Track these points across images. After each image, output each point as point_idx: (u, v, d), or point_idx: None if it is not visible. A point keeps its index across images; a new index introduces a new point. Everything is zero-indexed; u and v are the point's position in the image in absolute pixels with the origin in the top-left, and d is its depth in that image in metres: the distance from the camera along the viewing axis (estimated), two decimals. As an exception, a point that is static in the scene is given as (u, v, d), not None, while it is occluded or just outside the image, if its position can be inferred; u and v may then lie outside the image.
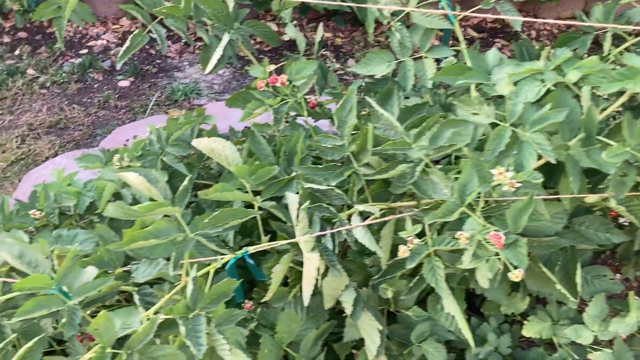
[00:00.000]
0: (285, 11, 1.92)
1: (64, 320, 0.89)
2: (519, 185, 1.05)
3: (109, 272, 1.14)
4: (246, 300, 1.44)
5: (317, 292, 1.51)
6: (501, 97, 1.30)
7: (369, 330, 1.30)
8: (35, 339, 0.87)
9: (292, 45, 4.51)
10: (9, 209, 1.66)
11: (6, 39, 4.69)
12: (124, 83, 4.24)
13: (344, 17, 4.57)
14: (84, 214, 1.57)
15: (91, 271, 0.98)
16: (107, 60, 4.48)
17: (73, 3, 1.72)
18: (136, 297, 1.11)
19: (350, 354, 1.51)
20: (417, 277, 1.23)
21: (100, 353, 0.84)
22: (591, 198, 1.30)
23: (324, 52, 4.44)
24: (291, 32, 1.93)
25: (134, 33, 1.72)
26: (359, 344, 1.53)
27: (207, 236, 1.05)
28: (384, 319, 1.43)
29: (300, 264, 1.41)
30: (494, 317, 1.60)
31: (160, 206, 1.01)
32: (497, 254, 1.07)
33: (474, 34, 4.85)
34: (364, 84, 1.84)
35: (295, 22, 5.08)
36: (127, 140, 3.17)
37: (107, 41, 4.71)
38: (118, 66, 1.64)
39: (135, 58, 4.51)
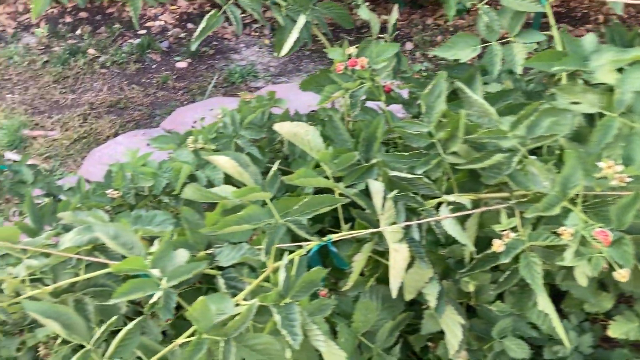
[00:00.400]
0: (359, -7, 1.87)
1: (159, 303, 0.88)
2: (629, 180, 0.98)
3: (194, 255, 1.13)
4: (321, 288, 1.42)
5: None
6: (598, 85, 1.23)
7: (450, 324, 1.26)
8: (136, 321, 0.87)
9: (360, 28, 4.44)
10: (84, 188, 1.67)
11: (68, 19, 4.77)
12: (182, 64, 4.27)
13: (404, 0, 4.47)
14: (159, 195, 1.58)
15: (183, 254, 0.97)
16: (165, 41, 4.52)
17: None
18: (221, 281, 1.10)
19: (425, 347, 1.48)
20: (509, 272, 1.18)
21: (198, 339, 0.83)
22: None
23: (382, 36, 4.36)
24: (364, 13, 1.88)
25: (210, 13, 1.71)
26: (434, 336, 1.50)
27: (297, 223, 1.03)
28: (463, 312, 1.39)
29: (379, 253, 1.38)
30: (574, 315, 1.54)
31: (253, 191, 0.99)
32: (599, 252, 1.01)
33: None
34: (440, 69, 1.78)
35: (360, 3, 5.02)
36: (195, 121, 3.18)
37: (165, 22, 4.75)
38: (193, 47, 1.63)
39: (193, 39, 4.53)
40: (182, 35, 4.61)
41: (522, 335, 1.39)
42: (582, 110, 1.10)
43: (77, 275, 1.31)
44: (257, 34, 4.62)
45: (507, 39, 1.47)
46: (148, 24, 4.71)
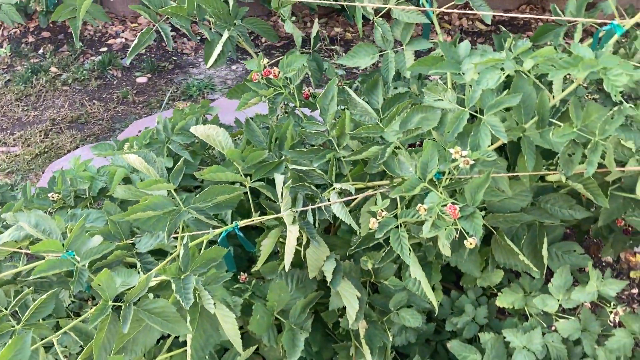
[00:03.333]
0: (284, 8, 2.06)
1: (72, 279, 1.05)
2: (472, 162, 1.17)
3: (115, 243, 1.29)
4: (241, 273, 1.59)
5: (305, 266, 1.66)
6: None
7: (348, 297, 1.44)
8: (49, 292, 1.03)
9: (304, 41, 4.65)
10: (30, 193, 1.83)
11: (31, 39, 4.91)
12: (142, 79, 4.43)
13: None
14: (97, 196, 1.74)
15: (97, 240, 1.13)
16: (125, 57, 4.68)
17: (87, 4, 1.88)
18: (138, 264, 1.27)
19: (337, 322, 1.65)
20: (388, 248, 1.36)
21: (102, 305, 0.99)
22: (553, 177, 1.42)
23: (334, 47, 4.57)
24: (288, 28, 2.06)
25: (142, 31, 1.88)
26: (344, 312, 1.67)
27: (198, 209, 1.20)
28: (365, 289, 1.57)
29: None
30: (471, 290, 1.72)
31: (157, 182, 1.16)
32: (455, 225, 1.20)
33: (482, 27, 4.95)
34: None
35: (307, 18, 5.22)
36: (139, 131, 3.35)
37: (126, 39, 4.91)
38: (127, 62, 1.80)
39: (153, 55, 4.70)
40: (143, 51, 4.76)
41: (419, 308, 1.57)
42: (443, 106, 1.29)
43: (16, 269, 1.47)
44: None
45: (401, 48, 1.67)
46: (109, 42, 4.86)
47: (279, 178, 1.38)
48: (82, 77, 4.40)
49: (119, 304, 1.01)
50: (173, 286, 1.06)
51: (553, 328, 1.54)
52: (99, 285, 1.01)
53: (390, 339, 1.50)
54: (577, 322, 1.54)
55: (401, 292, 1.52)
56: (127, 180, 1.77)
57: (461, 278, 1.72)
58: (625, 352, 1.50)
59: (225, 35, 1.86)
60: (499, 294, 1.63)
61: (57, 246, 1.07)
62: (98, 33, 4.97)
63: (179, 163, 1.25)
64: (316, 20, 2.05)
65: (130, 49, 1.87)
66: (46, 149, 3.73)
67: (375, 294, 1.59)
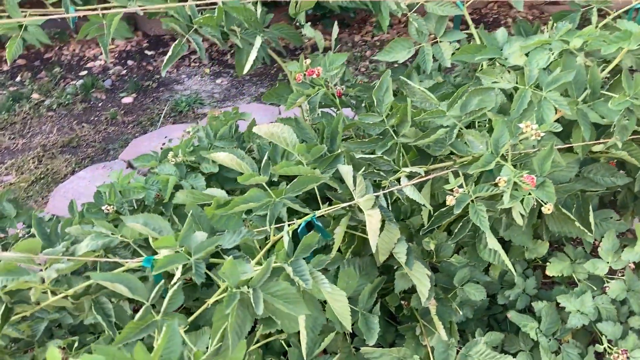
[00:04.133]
0: (300, 14, 2.14)
1: (192, 270, 1.09)
2: (543, 134, 1.27)
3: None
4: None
5: (365, 254, 1.72)
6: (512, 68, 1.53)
7: (419, 276, 1.51)
8: (177, 284, 1.07)
9: (294, 50, 4.73)
10: (77, 209, 1.84)
11: (5, 67, 4.83)
12: (128, 99, 4.41)
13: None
14: (150, 205, 1.76)
15: (201, 235, 1.17)
16: (108, 79, 4.65)
17: (116, 21, 1.91)
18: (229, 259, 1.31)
19: (399, 306, 1.72)
20: (460, 224, 1.44)
21: (230, 292, 1.04)
22: (598, 146, 1.53)
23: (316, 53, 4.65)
24: (309, 32, 2.14)
25: (175, 43, 1.92)
26: (405, 296, 1.74)
27: (291, 199, 1.26)
28: (429, 268, 1.64)
29: (354, 228, 1.62)
30: (519, 264, 1.82)
31: (253, 175, 1.21)
32: (529, 194, 1.29)
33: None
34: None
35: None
36: (163, 144, 3.36)
37: (105, 61, 4.89)
38: (163, 73, 1.82)
39: (135, 75, 4.69)
40: (124, 72, 4.75)
41: (480, 281, 1.65)
42: (502, 86, 1.38)
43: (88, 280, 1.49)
44: (196, 64, 4.83)
45: (435, 40, 1.77)
46: (89, 65, 4.83)
47: (345, 168, 1.45)
48: (67, 102, 4.36)
49: (244, 290, 1.06)
50: (288, 269, 1.11)
51: (605, 289, 1.64)
52: (224, 273, 1.05)
53: (460, 313, 1.58)
54: (623, 283, 1.66)
55: (464, 269, 1.60)
56: (177, 187, 1.80)
57: (508, 253, 1.82)
58: (671, 305, 1.62)
59: (259, 40, 1.91)
60: (548, 264, 1.73)
61: (172, 242, 1.11)
62: (76, 57, 4.93)
63: (265, 158, 1.30)
64: (335, 23, 2.12)
65: (165, 61, 1.90)
66: (42, 175, 3.68)
67: (437, 273, 1.66)
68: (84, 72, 4.74)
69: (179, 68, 4.78)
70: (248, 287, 1.06)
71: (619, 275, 1.68)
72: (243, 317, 1.05)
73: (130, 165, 3.43)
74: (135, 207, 1.83)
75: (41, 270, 1.49)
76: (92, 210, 1.79)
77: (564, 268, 1.71)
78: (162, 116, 4.09)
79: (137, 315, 1.00)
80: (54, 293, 1.48)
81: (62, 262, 1.35)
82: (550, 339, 1.66)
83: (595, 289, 1.69)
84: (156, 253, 1.40)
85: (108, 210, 1.74)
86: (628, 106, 1.31)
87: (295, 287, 1.10)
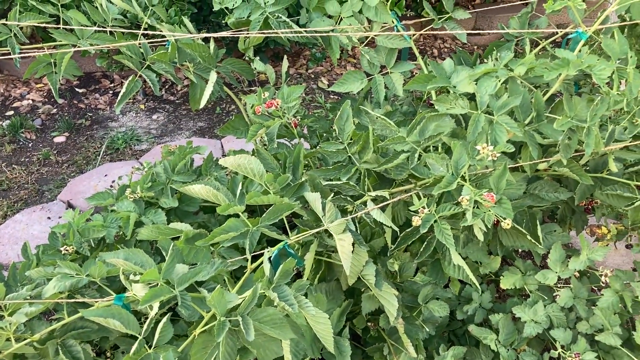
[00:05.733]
0: (249, 49, 2.19)
1: (178, 302, 1.09)
2: (498, 154, 1.37)
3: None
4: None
5: (331, 279, 1.76)
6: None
7: (387, 297, 1.57)
8: (166, 315, 1.06)
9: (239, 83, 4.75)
10: (31, 252, 1.78)
11: None
12: (60, 139, 4.29)
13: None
14: (110, 242, 1.73)
15: (182, 267, 1.18)
16: (37, 118, 4.51)
17: (67, 59, 1.90)
18: (204, 292, 1.32)
19: (365, 328, 1.76)
20: (425, 244, 1.51)
21: (219, 321, 1.05)
22: (542, 165, 1.66)
23: (253, 88, 4.72)
24: (260, 66, 2.19)
25: (129, 79, 1.92)
26: (371, 318, 1.79)
27: (267, 227, 1.29)
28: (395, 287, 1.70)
29: (319, 253, 1.66)
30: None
31: (231, 206, 1.23)
32: (489, 211, 1.38)
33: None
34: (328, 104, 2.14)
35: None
36: (111, 185, 3.27)
37: (33, 100, 4.73)
38: (117, 111, 1.82)
39: (66, 114, 4.57)
40: (54, 110, 4.62)
41: (442, 299, 1.73)
42: (457, 112, 1.48)
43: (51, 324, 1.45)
44: (130, 100, 4.76)
45: (386, 72, 1.86)
46: (15, 105, 4.66)
47: (312, 196, 1.49)
48: (-6, 143, 4.18)
49: (233, 318, 1.07)
50: (272, 296, 1.14)
51: (556, 297, 1.76)
52: (211, 302, 1.06)
53: (426, 330, 1.65)
54: (570, 291, 1.78)
55: (427, 286, 1.67)
56: (137, 224, 1.79)
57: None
58: (615, 308, 1.75)
59: (213, 75, 1.95)
60: (501, 278, 1.84)
61: (156, 275, 1.11)
62: (0, 97, 4.75)
63: (239, 188, 1.33)
64: (285, 57, 2.19)
65: (119, 98, 1.89)
66: (-28, 221, 3.49)
67: (401, 292, 1.72)
68: (11, 112, 4.57)
69: (111, 105, 4.69)
70: (236, 315, 1.07)
71: (562, 283, 1.80)
72: (232, 346, 1.06)
73: (70, 206, 3.32)
74: (94, 246, 1.80)
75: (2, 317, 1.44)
76: (49, 252, 1.74)
77: (516, 280, 1.82)
78: (100, 154, 3.99)
79: (132, 349, 0.99)
80: (17, 340, 1.43)
81: (30, 307, 1.31)
82: (508, 349, 1.75)
83: (546, 298, 1.80)
84: (124, 291, 1.39)
85: (67, 250, 1.70)
86: (570, 126, 1.44)
87: (281, 312, 1.12)
